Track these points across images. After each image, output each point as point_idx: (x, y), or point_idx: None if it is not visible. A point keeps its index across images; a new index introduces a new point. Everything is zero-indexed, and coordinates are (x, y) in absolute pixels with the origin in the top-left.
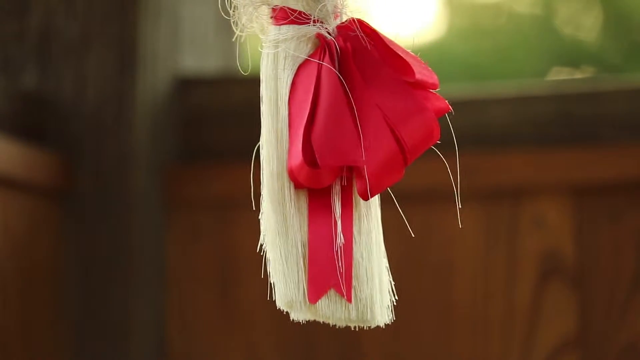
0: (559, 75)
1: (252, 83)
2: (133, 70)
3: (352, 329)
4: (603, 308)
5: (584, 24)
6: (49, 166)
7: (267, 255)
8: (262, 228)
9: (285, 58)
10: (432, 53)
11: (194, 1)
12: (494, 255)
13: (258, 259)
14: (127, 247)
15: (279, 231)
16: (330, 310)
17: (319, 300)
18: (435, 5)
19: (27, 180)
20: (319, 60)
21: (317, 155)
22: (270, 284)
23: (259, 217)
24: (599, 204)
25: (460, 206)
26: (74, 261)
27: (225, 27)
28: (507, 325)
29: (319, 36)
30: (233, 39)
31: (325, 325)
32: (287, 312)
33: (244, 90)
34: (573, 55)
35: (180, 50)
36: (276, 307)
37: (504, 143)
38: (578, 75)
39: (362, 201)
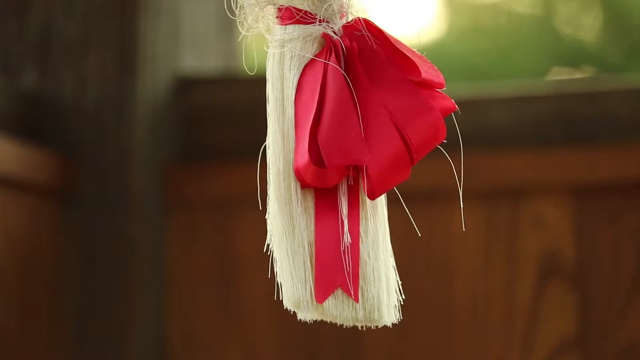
0: (559, 75)
1: (252, 83)
2: (133, 70)
3: (359, 328)
4: (603, 308)
5: (584, 24)
6: (49, 166)
7: (274, 255)
8: (268, 228)
9: (291, 58)
10: (432, 53)
11: (194, 1)
12: (494, 255)
13: (258, 259)
14: (127, 247)
15: (286, 231)
16: (338, 310)
17: (326, 300)
18: (435, 5)
19: (27, 180)
20: (325, 60)
21: (323, 155)
22: (274, 283)
23: (266, 216)
24: (599, 204)
25: (462, 206)
26: (74, 261)
27: (225, 27)
28: (507, 325)
29: (325, 36)
30: (239, 39)
31: (326, 325)
32: (290, 312)
33: (244, 90)
34: (573, 55)
35: (180, 50)
36: (276, 306)
37: (504, 143)
38: (578, 75)
39: (368, 201)
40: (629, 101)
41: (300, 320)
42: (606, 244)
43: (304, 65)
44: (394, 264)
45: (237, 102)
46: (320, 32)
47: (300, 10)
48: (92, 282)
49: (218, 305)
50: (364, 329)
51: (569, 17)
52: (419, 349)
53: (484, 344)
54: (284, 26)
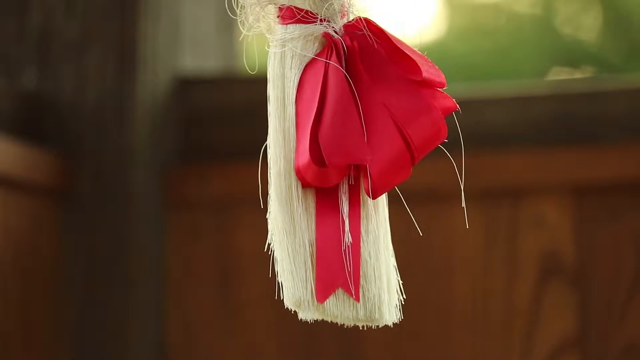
0: (559, 75)
1: (252, 83)
2: (133, 70)
3: (360, 328)
4: (603, 308)
5: (584, 24)
6: (49, 166)
7: (275, 255)
8: (269, 227)
9: (292, 57)
10: (432, 53)
11: (194, 1)
12: (494, 255)
13: (258, 259)
14: (127, 247)
15: (287, 230)
16: (339, 310)
17: (327, 300)
18: (435, 5)
19: (27, 180)
20: (326, 59)
21: (324, 154)
22: (274, 283)
23: (267, 216)
24: (599, 204)
25: (465, 206)
26: (74, 261)
27: (225, 27)
28: (507, 325)
29: (326, 35)
30: (239, 39)
31: (326, 325)
32: (290, 312)
33: (243, 90)
34: (573, 55)
35: (180, 50)
36: (276, 306)
37: (504, 143)
38: (578, 75)
39: (369, 200)
40: (629, 101)
41: (300, 320)
42: (606, 244)
43: (305, 64)
44: (395, 264)
45: (237, 102)
46: (321, 32)
47: (301, 10)
48: (92, 282)
49: (218, 305)
50: (365, 328)
51: (569, 17)
52: (419, 349)
53: (484, 344)
54: (285, 25)
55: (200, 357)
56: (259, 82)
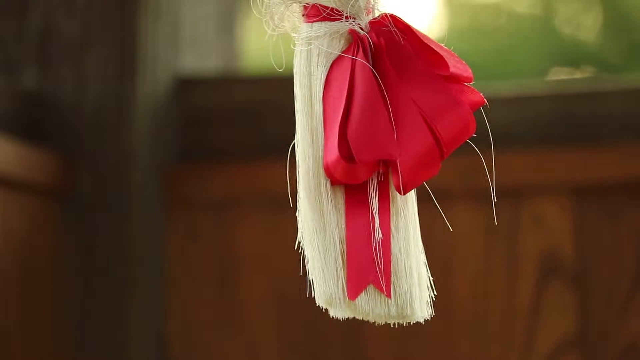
0: (559, 75)
1: (252, 83)
2: (133, 70)
3: (391, 325)
4: (603, 308)
5: (584, 24)
6: (49, 166)
7: (305, 253)
8: (299, 225)
9: (318, 55)
10: None
11: (194, 1)
12: (494, 255)
13: (258, 259)
14: (127, 247)
15: (317, 228)
16: (370, 307)
17: (358, 297)
18: (435, 5)
19: (27, 180)
20: (353, 56)
21: (353, 150)
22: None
23: (296, 214)
24: (599, 204)
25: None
26: (74, 261)
27: (225, 27)
28: (507, 325)
29: (352, 32)
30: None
31: (326, 324)
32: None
33: (243, 90)
34: (573, 55)
35: (180, 50)
36: (276, 306)
37: (504, 143)
38: (578, 75)
39: (399, 196)
40: (629, 101)
41: (299, 319)
42: (606, 244)
43: (331, 62)
44: (425, 260)
45: (237, 102)
46: (347, 29)
47: (326, 7)
48: (92, 282)
49: (218, 305)
50: (396, 325)
51: (569, 17)
52: (420, 349)
53: (484, 344)
54: (310, 24)
55: (200, 356)
56: (259, 82)
